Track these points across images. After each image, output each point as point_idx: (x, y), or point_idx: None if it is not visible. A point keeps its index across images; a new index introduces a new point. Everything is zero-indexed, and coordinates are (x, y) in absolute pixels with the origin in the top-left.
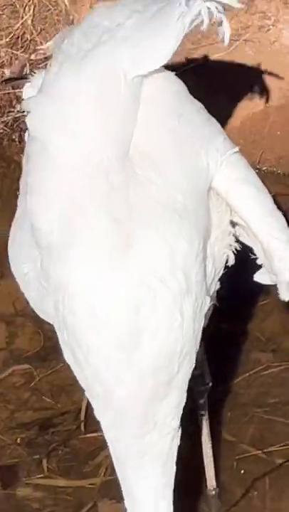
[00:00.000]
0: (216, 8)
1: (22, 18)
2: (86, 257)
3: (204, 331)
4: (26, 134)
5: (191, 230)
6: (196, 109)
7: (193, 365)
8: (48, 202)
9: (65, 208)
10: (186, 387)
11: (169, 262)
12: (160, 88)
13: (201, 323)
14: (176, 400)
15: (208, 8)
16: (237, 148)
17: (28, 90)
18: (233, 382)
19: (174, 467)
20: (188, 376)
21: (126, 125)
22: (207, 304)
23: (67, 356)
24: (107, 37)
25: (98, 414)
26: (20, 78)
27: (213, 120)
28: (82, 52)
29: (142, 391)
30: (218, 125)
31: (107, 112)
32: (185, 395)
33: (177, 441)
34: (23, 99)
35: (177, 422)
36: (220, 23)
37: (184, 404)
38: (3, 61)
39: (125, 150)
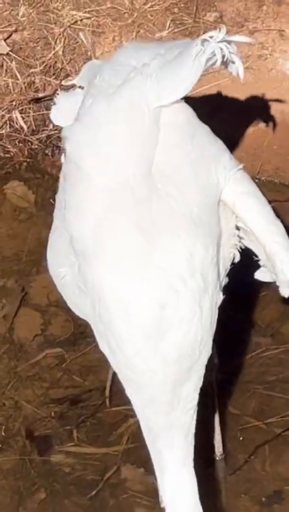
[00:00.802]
0: (227, 47)
1: (54, 49)
2: (117, 263)
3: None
4: (62, 156)
5: (206, 237)
6: (205, 132)
7: (210, 351)
8: (82, 215)
9: (97, 220)
10: (203, 371)
11: (188, 265)
12: (175, 114)
13: (216, 316)
14: (195, 382)
15: (221, 49)
16: (241, 166)
17: (54, 111)
18: (237, 362)
19: (193, 438)
20: (206, 361)
21: (149, 148)
22: (220, 298)
23: (103, 346)
24: (134, 74)
25: (130, 395)
26: (47, 98)
27: (219, 140)
28: (113, 87)
29: (167, 377)
30: (223, 145)
31: (133, 138)
32: (202, 377)
33: (195, 416)
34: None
35: (196, 400)
36: (232, 62)
37: (201, 385)
38: (37, 86)
39: (148, 169)
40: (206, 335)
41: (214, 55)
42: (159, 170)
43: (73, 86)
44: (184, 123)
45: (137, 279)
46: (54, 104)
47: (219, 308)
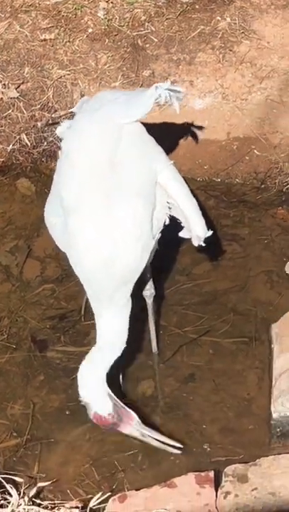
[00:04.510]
0: (169, 93)
1: (47, 94)
2: (87, 215)
3: (151, 263)
4: (60, 151)
5: (145, 203)
6: (150, 139)
7: (139, 274)
8: (68, 183)
9: (77, 188)
10: (134, 281)
11: (133, 219)
12: (133, 128)
13: (148, 253)
14: (126, 291)
15: (165, 93)
16: (172, 162)
17: (59, 130)
18: (165, 292)
19: (127, 322)
20: (136, 279)
21: (114, 145)
22: (152, 244)
23: (74, 266)
24: (108, 102)
25: (87, 291)
26: (56, 123)
27: (159, 146)
28: (94, 109)
29: (109, 285)
30: (160, 148)
31: (104, 139)
32: (131, 290)
33: (128, 308)
34: (57, 134)
35: (123, 301)
36: (172, 102)
37: (131, 291)
38: (36, 118)
39: (112, 159)
40: (139, 264)
41: (160, 96)
42: (119, 158)
43: (60, 117)
44: (138, 133)
45: (99, 226)
46: (60, 125)
47: (156, 253)
